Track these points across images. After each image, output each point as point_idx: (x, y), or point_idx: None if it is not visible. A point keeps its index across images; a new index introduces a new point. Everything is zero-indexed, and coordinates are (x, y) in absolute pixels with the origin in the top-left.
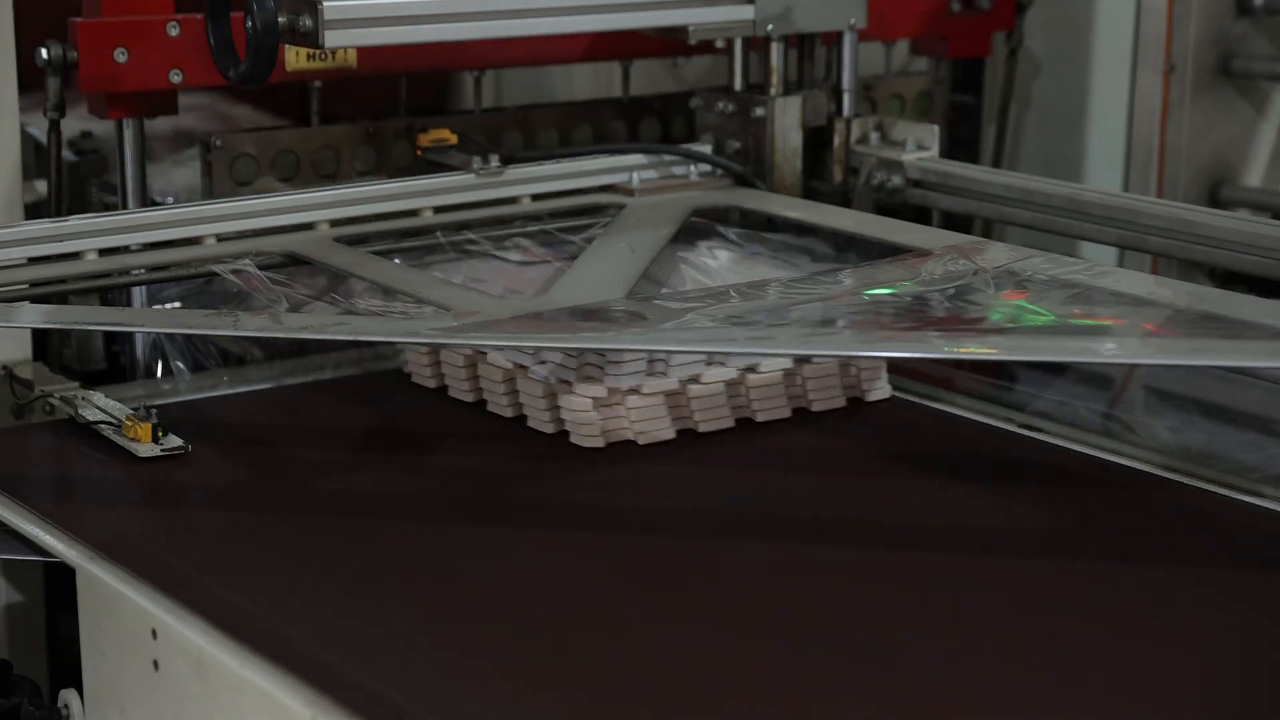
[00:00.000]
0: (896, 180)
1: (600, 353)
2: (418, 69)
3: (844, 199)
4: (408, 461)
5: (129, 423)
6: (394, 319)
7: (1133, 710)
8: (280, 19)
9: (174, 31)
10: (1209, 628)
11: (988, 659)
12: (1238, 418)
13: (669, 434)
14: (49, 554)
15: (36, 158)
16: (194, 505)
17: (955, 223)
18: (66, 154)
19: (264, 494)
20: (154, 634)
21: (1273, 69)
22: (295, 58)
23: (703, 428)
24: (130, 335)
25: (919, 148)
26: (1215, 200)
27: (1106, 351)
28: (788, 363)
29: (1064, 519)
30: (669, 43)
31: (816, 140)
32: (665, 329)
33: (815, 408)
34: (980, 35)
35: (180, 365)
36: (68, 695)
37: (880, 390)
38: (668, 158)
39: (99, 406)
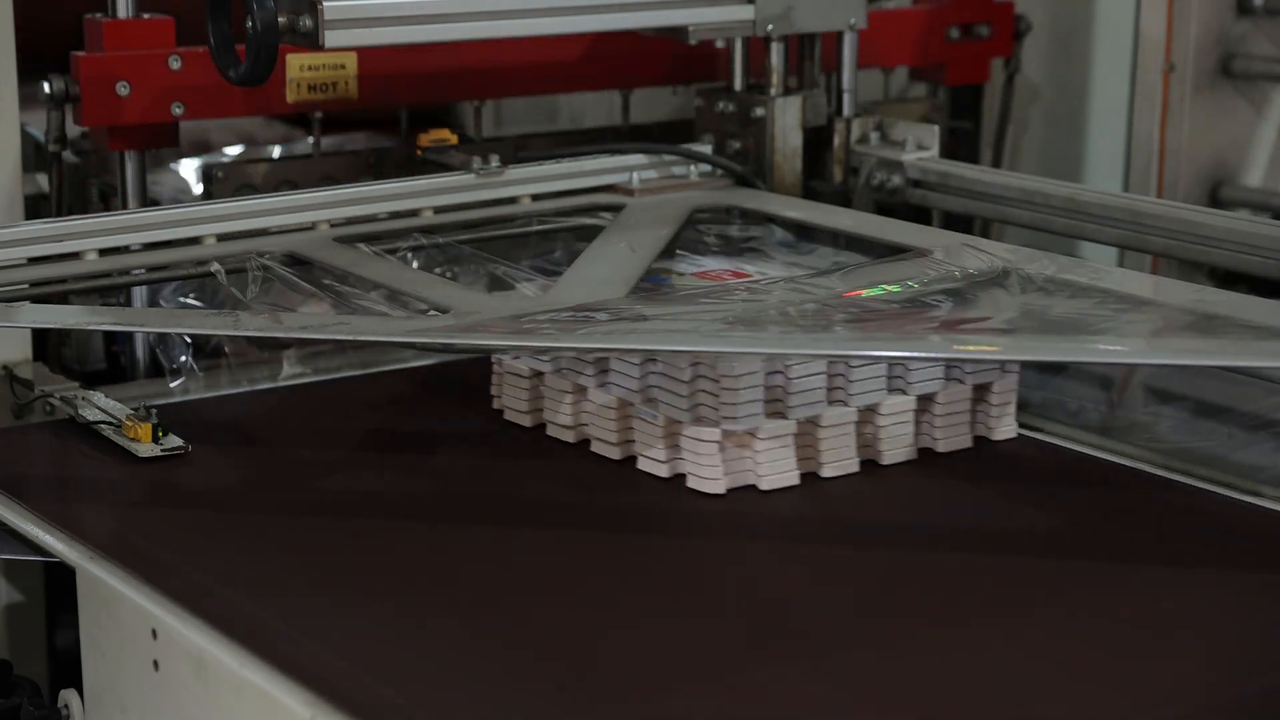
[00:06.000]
0: (896, 180)
1: (713, 393)
2: (419, 101)
3: (844, 199)
4: (408, 461)
5: (129, 423)
6: (394, 319)
7: (1132, 710)
8: (280, 19)
9: (175, 65)
10: (1209, 627)
11: (988, 659)
12: (1238, 418)
13: (793, 479)
14: (49, 554)
15: (36, 157)
16: (194, 505)
17: (955, 223)
18: (66, 154)
19: (264, 494)
20: (154, 634)
21: (1273, 69)
22: (296, 90)
23: (827, 471)
24: (130, 335)
25: (919, 148)
26: (1215, 200)
27: (1106, 351)
28: (913, 403)
29: (1064, 519)
30: (669, 72)
31: (816, 140)
32: (665, 329)
33: (941, 448)
34: (979, 62)
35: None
36: (68, 695)
37: (1007, 429)
38: (668, 158)
39: (99, 406)
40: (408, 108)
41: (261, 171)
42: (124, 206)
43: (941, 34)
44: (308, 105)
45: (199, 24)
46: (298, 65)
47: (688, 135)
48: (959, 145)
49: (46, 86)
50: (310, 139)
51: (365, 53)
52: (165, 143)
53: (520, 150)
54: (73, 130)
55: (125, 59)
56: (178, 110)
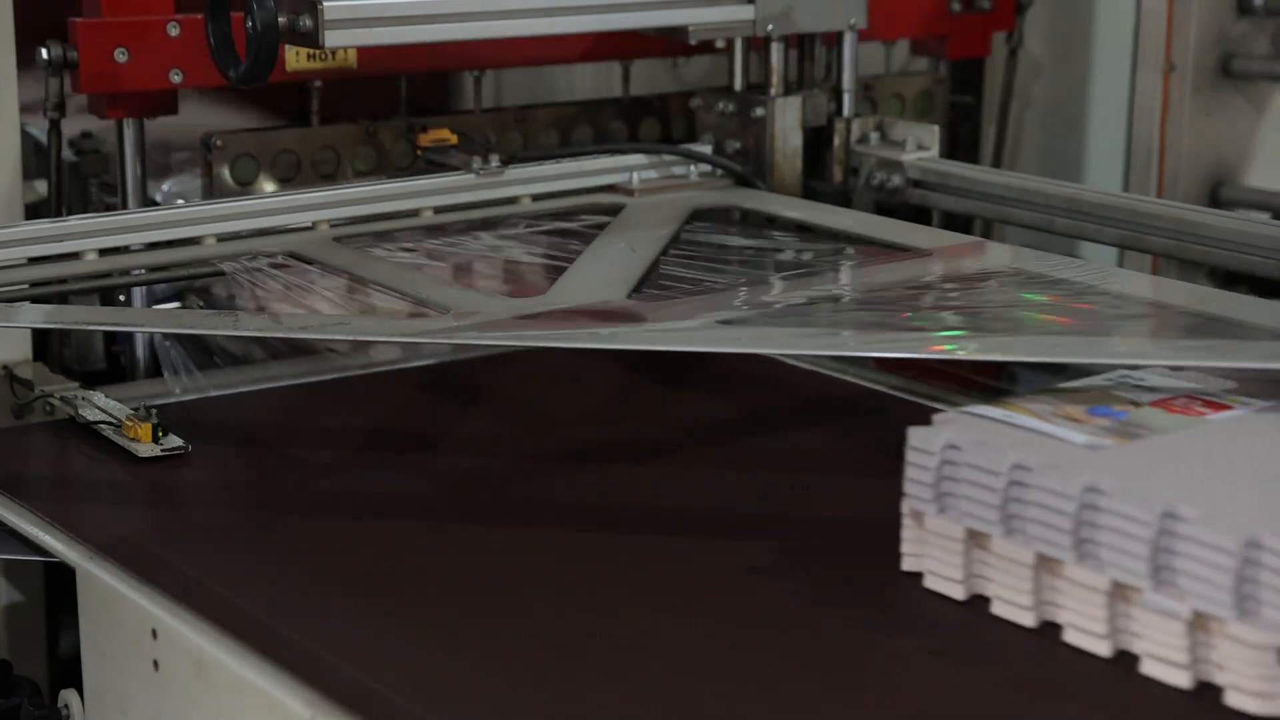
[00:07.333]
0: (896, 180)
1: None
2: (418, 69)
3: (844, 199)
4: (408, 461)
5: (129, 423)
6: (394, 319)
7: (1139, 711)
8: (280, 19)
9: (174, 31)
10: None
11: (991, 660)
12: None
13: None
14: (49, 554)
15: (36, 157)
16: (194, 505)
17: (955, 223)
18: (66, 154)
19: (264, 494)
20: (154, 634)
21: (1273, 69)
22: (295, 57)
23: None
24: (130, 335)
25: (919, 148)
26: (1215, 200)
27: (1108, 351)
28: None
29: None
30: (669, 43)
31: (816, 140)
32: (665, 329)
33: None
34: (981, 35)
35: (178, 361)
36: (68, 695)
37: None
38: (668, 158)
39: (99, 406)
40: (407, 76)
41: (260, 141)
42: (123, 177)
43: (943, 6)
44: (307, 74)
45: None
46: None
47: (687, 108)
48: (961, 120)
49: (44, 52)
50: None
51: None
52: (164, 111)
53: (520, 122)
54: (72, 130)
55: (124, 25)
56: (176, 77)
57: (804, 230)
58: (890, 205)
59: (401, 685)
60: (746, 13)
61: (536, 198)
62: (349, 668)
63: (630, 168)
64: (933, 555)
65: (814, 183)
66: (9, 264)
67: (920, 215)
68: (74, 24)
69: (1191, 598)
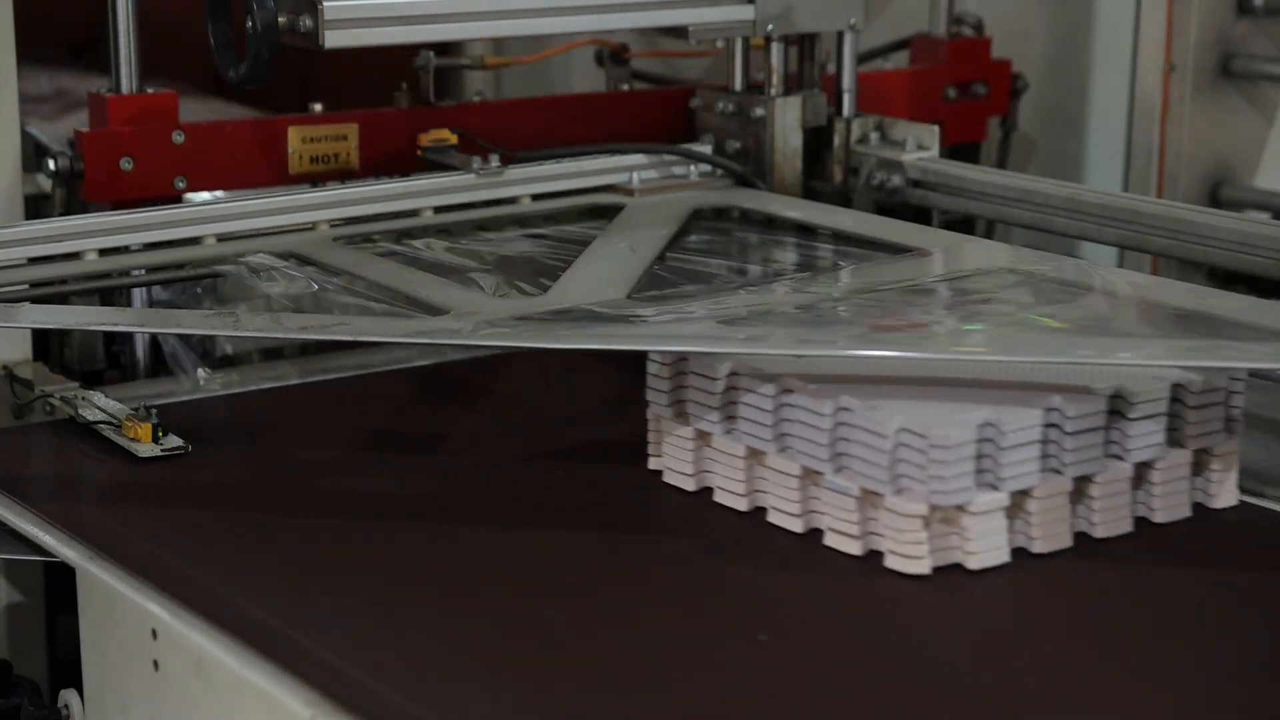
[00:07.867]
0: (896, 180)
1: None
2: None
3: (844, 199)
4: (408, 461)
5: (129, 423)
6: (394, 319)
7: (1138, 712)
8: (280, 19)
9: (179, 139)
10: (1209, 628)
11: (999, 664)
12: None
13: (1004, 556)
14: (49, 554)
15: (37, 157)
16: (194, 505)
17: (955, 223)
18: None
19: (264, 494)
20: (154, 634)
21: (1273, 69)
22: (298, 161)
23: (1038, 547)
24: (130, 335)
25: (919, 148)
26: (1215, 200)
27: (1110, 352)
28: (1129, 471)
29: None
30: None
31: (816, 140)
32: (665, 331)
33: (1159, 518)
34: (976, 120)
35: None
36: (68, 695)
37: (1227, 497)
38: (668, 158)
39: (99, 406)
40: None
41: None
42: None
43: (938, 94)
44: (310, 176)
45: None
46: (299, 137)
47: None
48: None
49: (51, 164)
50: None
51: (367, 119)
52: None
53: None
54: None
55: (130, 134)
56: (180, 184)
57: (804, 230)
58: (890, 205)
59: (401, 685)
60: (746, 13)
61: (536, 198)
62: (349, 668)
63: (630, 168)
64: (669, 454)
65: (814, 183)
66: (9, 264)
67: (920, 215)
68: (79, 135)
69: (860, 478)
